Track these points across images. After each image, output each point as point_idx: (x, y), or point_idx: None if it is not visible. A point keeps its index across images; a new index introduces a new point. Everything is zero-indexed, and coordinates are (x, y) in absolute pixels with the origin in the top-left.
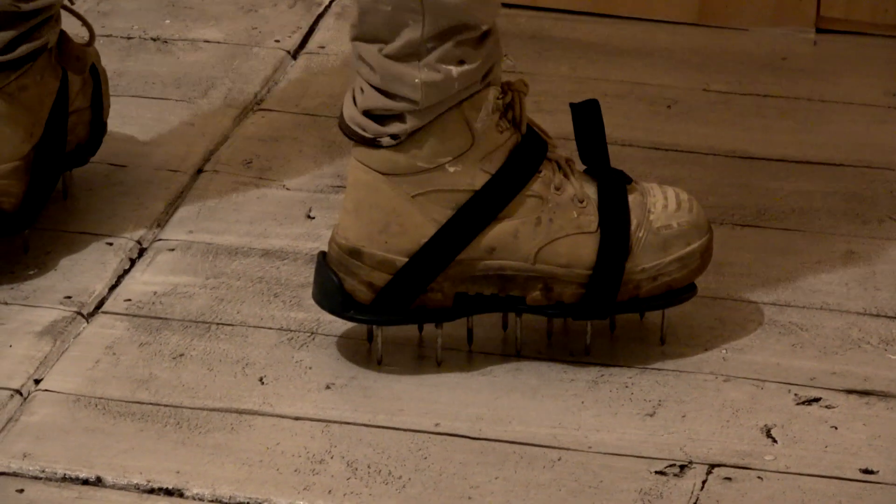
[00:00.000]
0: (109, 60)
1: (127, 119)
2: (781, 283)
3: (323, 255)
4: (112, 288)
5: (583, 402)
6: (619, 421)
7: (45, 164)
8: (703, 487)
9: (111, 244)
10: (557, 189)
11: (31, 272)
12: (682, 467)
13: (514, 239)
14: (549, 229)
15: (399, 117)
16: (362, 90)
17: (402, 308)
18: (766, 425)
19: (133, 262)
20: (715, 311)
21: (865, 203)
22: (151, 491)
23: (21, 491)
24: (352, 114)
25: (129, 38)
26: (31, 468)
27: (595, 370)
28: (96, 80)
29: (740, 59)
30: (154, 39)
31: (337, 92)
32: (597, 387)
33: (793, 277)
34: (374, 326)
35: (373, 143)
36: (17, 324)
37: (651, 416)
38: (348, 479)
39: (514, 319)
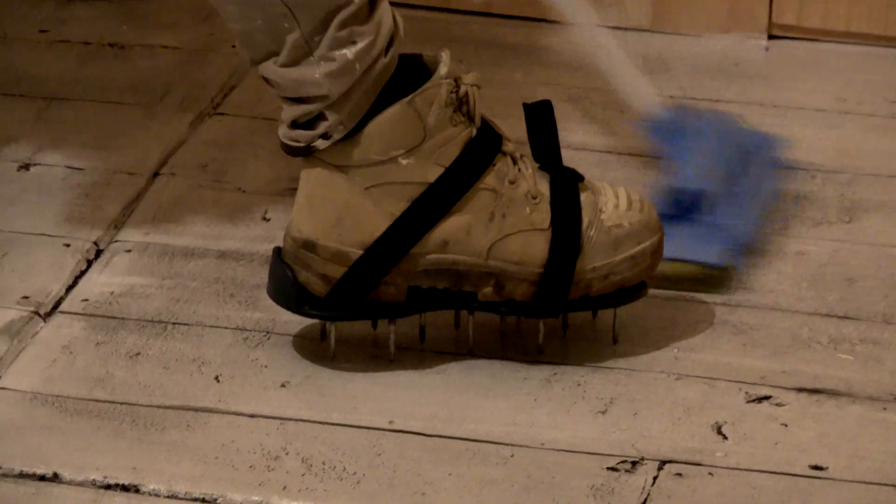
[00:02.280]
0: (67, 66)
1: (84, 123)
2: (733, 283)
3: (278, 250)
4: (69, 288)
5: (536, 401)
6: (572, 419)
7: None
8: (654, 483)
9: (68, 245)
10: (512, 182)
11: None
12: (633, 464)
13: (466, 234)
14: (502, 225)
15: (321, 116)
16: (281, 106)
17: (357, 302)
18: (716, 423)
19: (90, 263)
20: (666, 311)
21: (816, 205)
22: (108, 487)
23: None
24: (284, 131)
25: (86, 45)
26: None
27: (548, 369)
28: None
29: (693, 64)
30: (111, 45)
31: None
32: (549, 385)
33: (744, 278)
34: (328, 324)
35: (309, 151)
36: None
37: (603, 413)
38: (303, 475)
39: (467, 318)
